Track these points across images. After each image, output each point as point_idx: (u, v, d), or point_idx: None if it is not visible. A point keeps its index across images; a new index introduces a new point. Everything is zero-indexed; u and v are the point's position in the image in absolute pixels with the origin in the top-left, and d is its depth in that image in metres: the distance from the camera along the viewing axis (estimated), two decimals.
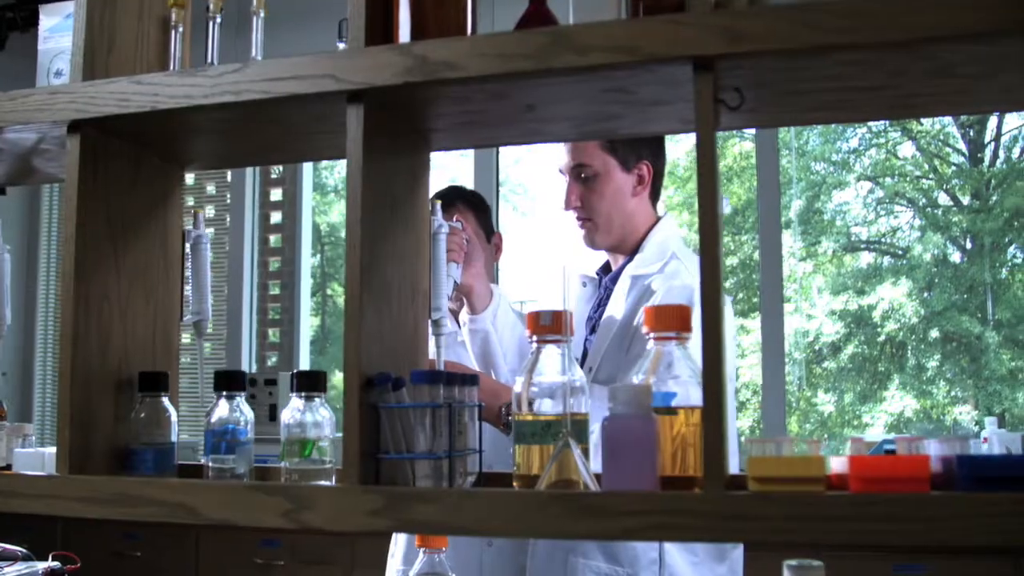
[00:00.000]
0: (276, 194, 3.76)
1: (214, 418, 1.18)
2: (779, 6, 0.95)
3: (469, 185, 3.76)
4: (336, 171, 5.97)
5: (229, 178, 3.78)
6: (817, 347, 5.43)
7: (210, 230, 4.12)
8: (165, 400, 1.21)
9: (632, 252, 1.79)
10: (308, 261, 3.83)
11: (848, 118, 1.18)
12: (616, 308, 1.74)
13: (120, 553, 3.00)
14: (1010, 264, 5.32)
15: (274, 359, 3.77)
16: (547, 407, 1.09)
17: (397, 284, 1.13)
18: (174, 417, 1.22)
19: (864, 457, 0.89)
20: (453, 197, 2.07)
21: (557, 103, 1.09)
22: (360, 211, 1.04)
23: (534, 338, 1.11)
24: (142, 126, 1.17)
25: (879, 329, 5.38)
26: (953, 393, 5.18)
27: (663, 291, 1.66)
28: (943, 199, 5.60)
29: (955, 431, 5.07)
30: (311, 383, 1.14)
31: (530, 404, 1.09)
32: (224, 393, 1.18)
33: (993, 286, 5.19)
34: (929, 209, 5.57)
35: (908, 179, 5.63)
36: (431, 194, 1.27)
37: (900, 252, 5.61)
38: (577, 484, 1.05)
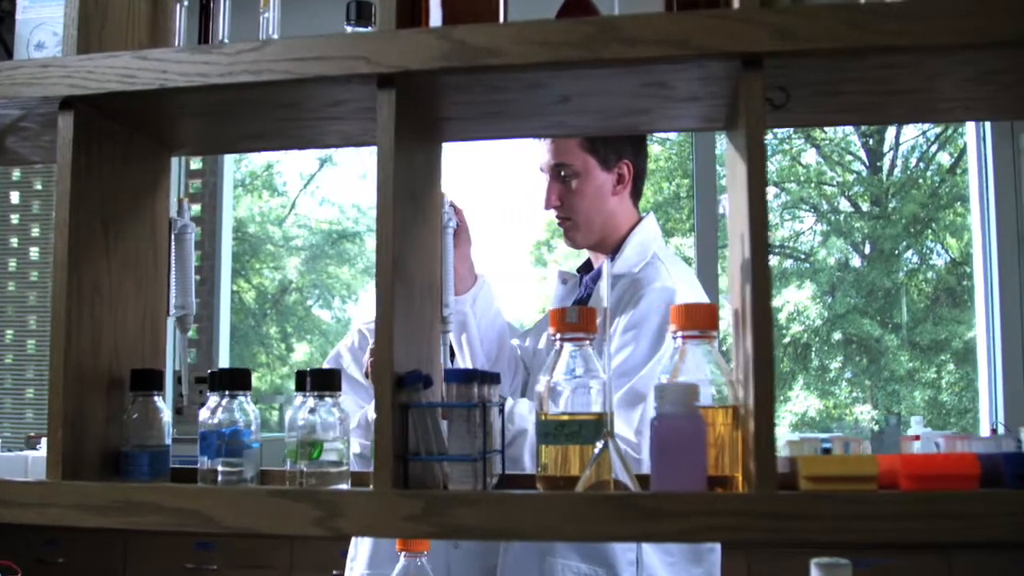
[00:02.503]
0: (195, 186, 3.61)
1: (215, 419, 1.12)
2: (830, 5, 0.96)
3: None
4: (244, 164, 5.79)
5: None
6: (724, 348, 5.55)
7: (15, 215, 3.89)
8: (158, 400, 1.14)
9: (614, 251, 1.78)
10: (229, 256, 3.70)
11: (874, 120, 1.20)
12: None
13: (42, 559, 2.81)
14: (907, 269, 5.56)
15: (191, 356, 3.62)
16: (571, 406, 1.07)
17: (419, 279, 1.09)
18: (168, 418, 1.14)
19: (915, 456, 0.90)
20: None
21: (592, 95, 1.07)
22: (392, 202, 0.99)
23: (557, 336, 1.08)
24: (142, 105, 1.09)
25: (784, 331, 5.54)
26: (854, 393, 5.39)
27: (643, 294, 1.65)
28: (844, 205, 5.81)
29: (856, 430, 5.28)
30: (324, 382, 1.09)
31: (555, 403, 1.06)
32: (227, 392, 1.12)
33: (892, 290, 5.41)
34: (832, 215, 5.77)
35: (812, 185, 5.83)
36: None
37: (803, 256, 5.79)
38: (619, 485, 1.03)
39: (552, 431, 1.06)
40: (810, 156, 5.80)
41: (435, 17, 1.05)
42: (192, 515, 0.98)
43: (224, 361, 3.71)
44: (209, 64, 1.03)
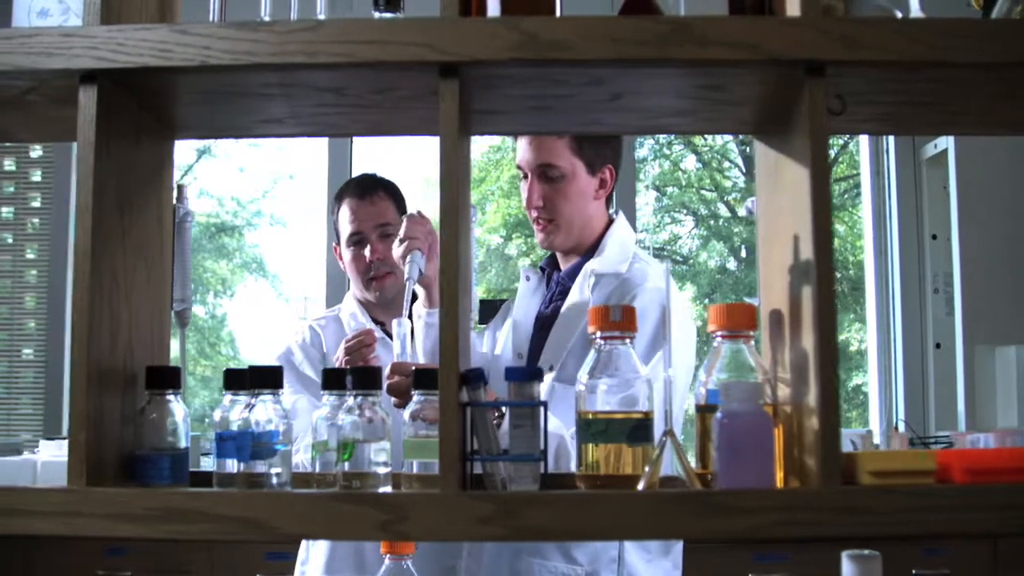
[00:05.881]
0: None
1: (239, 419, 1.05)
2: (892, 19, 0.99)
3: (324, 175, 3.56)
4: None
5: (37, 152, 3.36)
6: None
7: (8, 208, 3.56)
8: (176, 399, 1.06)
9: (587, 251, 1.78)
10: None
11: (892, 130, 1.25)
12: (578, 306, 1.72)
13: None
14: None
15: None
16: (598, 405, 1.06)
17: (464, 273, 1.06)
18: (185, 418, 1.07)
19: (968, 450, 0.95)
20: (374, 185, 1.97)
21: (643, 95, 1.07)
22: (456, 197, 0.96)
23: (598, 334, 1.08)
24: (166, 83, 1.02)
25: None
26: None
27: (636, 292, 1.66)
28: (723, 210, 6.03)
29: None
30: (368, 381, 1.04)
31: (585, 402, 1.06)
32: (257, 392, 1.05)
33: None
34: (711, 220, 5.98)
35: (693, 190, 6.02)
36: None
37: (683, 259, 5.97)
38: (672, 482, 1.04)
39: (582, 430, 1.06)
40: (690, 162, 5.98)
41: (492, 7, 1.02)
42: (244, 523, 0.92)
43: None
44: (257, 42, 0.96)
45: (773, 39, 0.96)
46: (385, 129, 1.17)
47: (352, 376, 1.04)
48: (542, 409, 0.99)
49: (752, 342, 1.10)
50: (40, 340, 3.33)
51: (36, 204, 3.51)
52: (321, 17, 1.06)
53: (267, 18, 1.05)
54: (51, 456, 1.10)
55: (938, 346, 2.97)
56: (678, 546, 1.74)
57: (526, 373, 1.01)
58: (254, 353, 5.69)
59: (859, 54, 0.97)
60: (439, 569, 1.76)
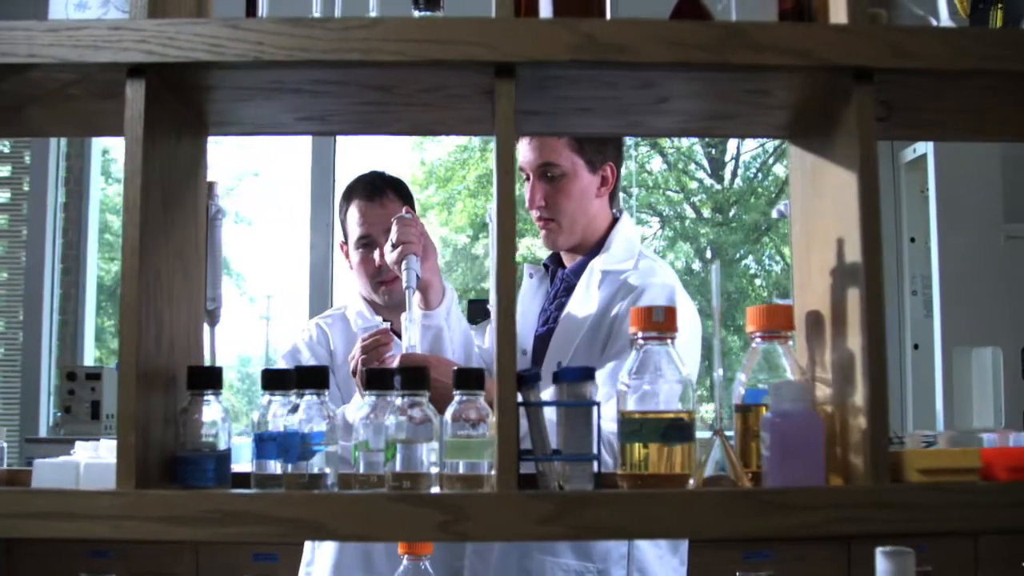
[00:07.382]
0: (58, 169, 3.33)
1: (282, 420, 1.04)
2: (938, 28, 1.01)
3: (307, 174, 3.54)
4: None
5: (5, 147, 3.28)
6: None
7: None
8: (217, 400, 1.04)
9: (591, 248, 1.78)
10: (95, 245, 3.42)
11: (925, 136, 1.28)
12: (585, 303, 1.72)
13: None
14: (746, 275, 5.89)
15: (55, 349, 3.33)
16: (633, 405, 1.07)
17: None
18: (226, 419, 1.05)
19: (1010, 448, 0.97)
20: (383, 186, 1.95)
21: (690, 98, 1.08)
22: (511, 197, 0.96)
23: (640, 335, 1.09)
24: (215, 77, 1.00)
25: None
26: (699, 392, 5.66)
27: (644, 288, 1.67)
28: (689, 211, 6.08)
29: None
30: (416, 380, 1.04)
31: (621, 402, 1.06)
32: (302, 392, 1.04)
33: (734, 294, 5.73)
34: (677, 222, 6.04)
35: (659, 191, 6.07)
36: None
37: None
38: (717, 481, 1.05)
39: (619, 428, 1.06)
40: (656, 163, 6.03)
41: (544, 8, 1.02)
42: (302, 524, 0.91)
43: (89, 355, 3.43)
44: (312, 39, 0.95)
45: (824, 45, 0.98)
46: (427, 128, 1.16)
47: (400, 376, 1.04)
48: (596, 409, 1.00)
49: (790, 343, 1.12)
50: (11, 339, 3.25)
51: (3, 200, 3.42)
52: (374, 15, 1.05)
53: (317, 14, 1.04)
54: (90, 458, 1.07)
55: (916, 347, 3.03)
56: (684, 544, 1.75)
57: (579, 373, 1.01)
58: (217, 351, 5.60)
59: (907, 62, 0.99)
60: (446, 571, 1.75)
